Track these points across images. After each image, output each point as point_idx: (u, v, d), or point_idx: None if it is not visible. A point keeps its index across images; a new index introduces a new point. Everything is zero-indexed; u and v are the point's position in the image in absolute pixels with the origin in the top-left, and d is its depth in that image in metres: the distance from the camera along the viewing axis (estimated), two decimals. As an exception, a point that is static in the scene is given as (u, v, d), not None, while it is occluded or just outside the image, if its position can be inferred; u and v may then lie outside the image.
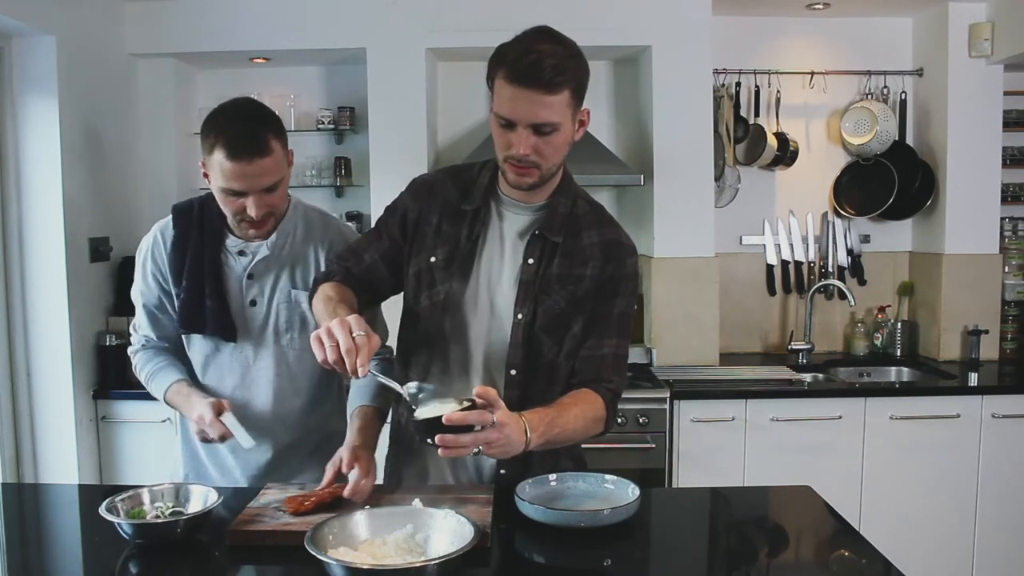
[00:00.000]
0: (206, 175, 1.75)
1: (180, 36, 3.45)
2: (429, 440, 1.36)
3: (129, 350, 2.00)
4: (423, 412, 1.39)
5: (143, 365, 1.94)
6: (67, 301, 3.03)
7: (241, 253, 1.86)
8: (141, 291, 1.94)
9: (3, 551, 1.50)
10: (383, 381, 1.50)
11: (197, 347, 1.90)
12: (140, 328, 1.97)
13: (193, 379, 1.90)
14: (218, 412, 1.71)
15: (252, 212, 1.73)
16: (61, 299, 3.03)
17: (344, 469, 1.60)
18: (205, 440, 1.76)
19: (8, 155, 2.99)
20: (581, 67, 1.54)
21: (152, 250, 1.90)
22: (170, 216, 1.90)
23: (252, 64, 3.73)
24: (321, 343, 1.39)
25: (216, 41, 3.45)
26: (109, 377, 3.22)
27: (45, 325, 3.05)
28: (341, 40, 3.45)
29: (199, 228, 1.85)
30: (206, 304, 1.83)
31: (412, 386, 1.45)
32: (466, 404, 1.38)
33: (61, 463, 3.08)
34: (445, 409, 1.37)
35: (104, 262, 3.29)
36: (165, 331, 1.94)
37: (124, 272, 3.35)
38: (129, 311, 3.27)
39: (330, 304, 1.55)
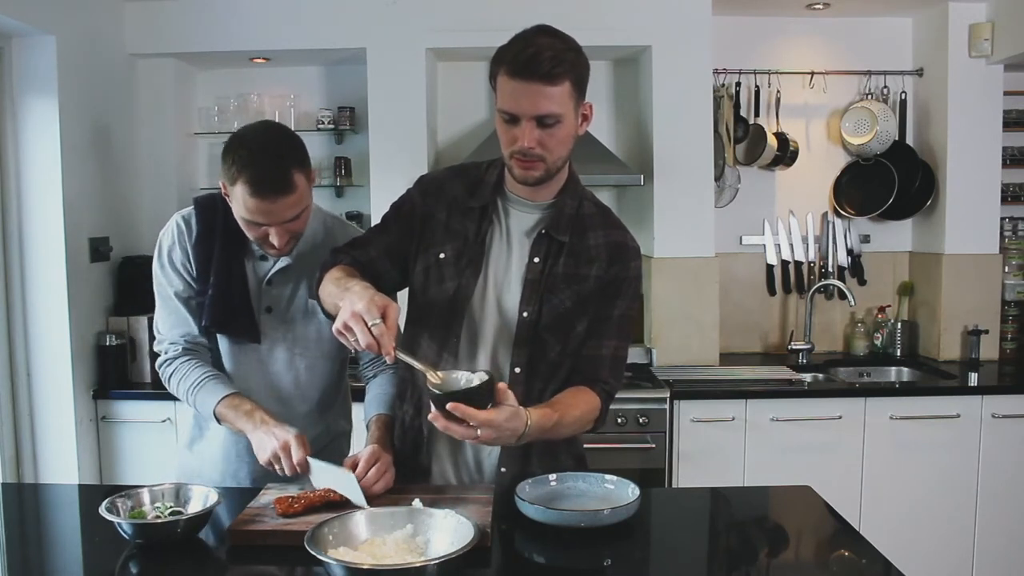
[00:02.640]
0: (227, 195, 1.71)
1: (180, 36, 3.45)
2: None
3: (158, 362, 1.87)
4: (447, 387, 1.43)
5: (184, 376, 1.81)
6: (67, 301, 3.03)
7: (263, 258, 1.84)
8: (171, 283, 1.84)
9: (3, 551, 1.50)
10: (408, 361, 1.48)
11: (219, 344, 1.87)
12: (171, 329, 1.85)
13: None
14: (305, 448, 1.63)
15: (275, 241, 1.71)
16: (61, 299, 3.03)
17: (360, 470, 1.60)
18: (270, 467, 1.66)
19: (8, 155, 2.99)
20: (580, 60, 1.55)
21: (178, 240, 1.83)
22: (191, 208, 1.86)
23: (252, 64, 3.73)
24: (346, 337, 1.44)
25: (216, 41, 3.45)
26: (109, 377, 3.22)
27: (45, 325, 3.05)
28: (341, 40, 3.45)
29: (224, 226, 1.80)
30: (234, 304, 1.81)
31: (440, 372, 1.46)
32: (486, 379, 1.41)
33: (61, 463, 3.08)
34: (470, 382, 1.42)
35: (104, 262, 3.29)
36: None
37: (124, 272, 3.35)
38: (129, 311, 3.33)
39: (340, 283, 1.55)
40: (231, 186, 1.67)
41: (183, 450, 1.98)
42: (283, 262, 1.83)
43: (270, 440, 1.64)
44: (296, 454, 1.61)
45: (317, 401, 1.92)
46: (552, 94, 1.51)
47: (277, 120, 3.64)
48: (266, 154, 1.64)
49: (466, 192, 1.70)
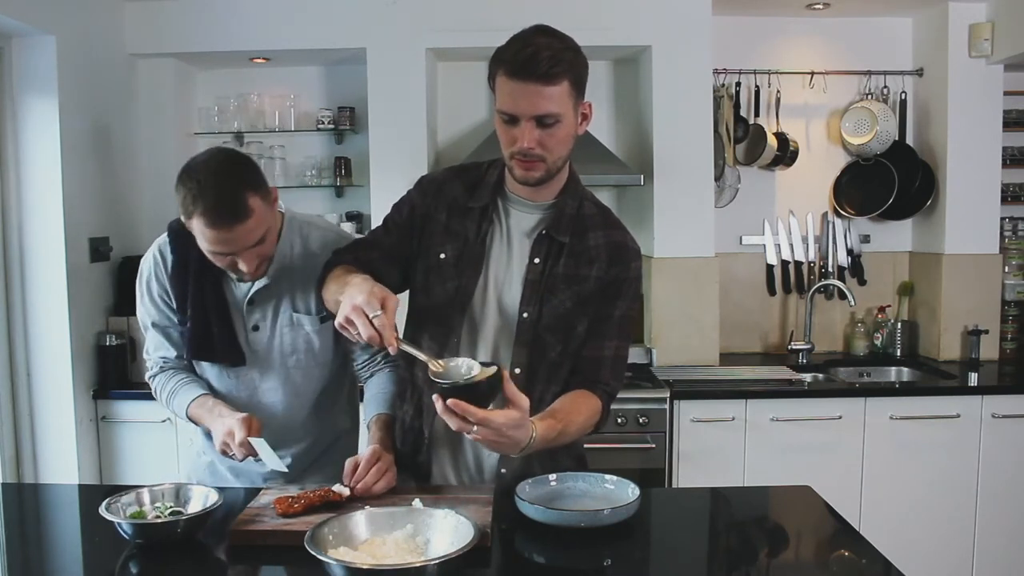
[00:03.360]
0: (191, 229, 1.69)
1: (180, 36, 3.45)
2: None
3: (147, 376, 1.94)
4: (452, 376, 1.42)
5: (163, 387, 1.88)
6: (67, 301, 3.03)
7: (242, 279, 1.83)
8: (149, 313, 1.88)
9: (3, 551, 1.50)
10: (411, 351, 1.47)
11: (204, 371, 1.89)
12: (155, 351, 1.91)
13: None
14: (248, 430, 1.65)
15: (244, 268, 1.71)
16: (61, 299, 3.03)
17: (361, 470, 1.61)
18: (225, 455, 1.70)
19: (8, 155, 2.99)
20: (579, 60, 1.55)
21: (155, 272, 1.85)
22: (166, 235, 1.86)
23: (252, 64, 3.73)
24: (348, 331, 1.44)
25: (216, 41, 3.45)
26: (109, 377, 3.22)
27: (45, 325, 3.05)
28: (341, 40, 3.45)
29: (198, 253, 1.77)
30: (213, 332, 1.81)
31: (441, 361, 1.45)
32: (491, 372, 1.40)
33: (61, 463, 3.08)
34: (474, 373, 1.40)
35: (104, 262, 3.29)
36: (181, 348, 1.88)
37: (124, 272, 3.34)
38: (129, 311, 3.29)
39: (340, 280, 1.56)
40: (188, 220, 1.65)
41: (200, 457, 1.98)
42: (263, 281, 1.82)
43: (220, 427, 1.68)
44: (237, 436, 1.64)
45: (315, 403, 1.92)
46: (551, 94, 1.51)
47: (277, 120, 3.66)
48: (216, 183, 1.61)
49: (466, 192, 1.70)
